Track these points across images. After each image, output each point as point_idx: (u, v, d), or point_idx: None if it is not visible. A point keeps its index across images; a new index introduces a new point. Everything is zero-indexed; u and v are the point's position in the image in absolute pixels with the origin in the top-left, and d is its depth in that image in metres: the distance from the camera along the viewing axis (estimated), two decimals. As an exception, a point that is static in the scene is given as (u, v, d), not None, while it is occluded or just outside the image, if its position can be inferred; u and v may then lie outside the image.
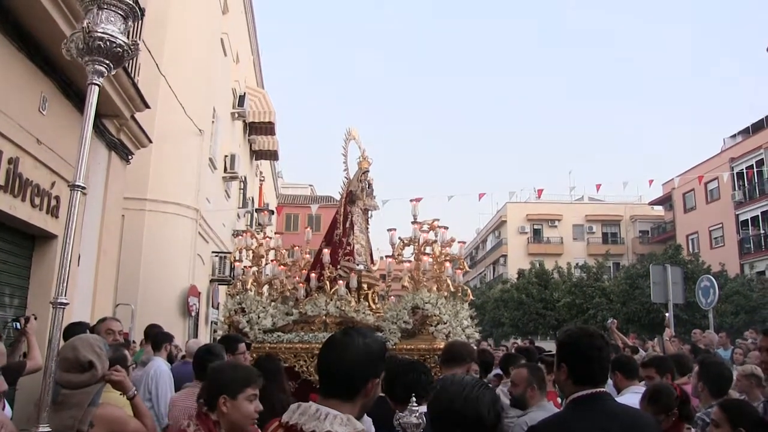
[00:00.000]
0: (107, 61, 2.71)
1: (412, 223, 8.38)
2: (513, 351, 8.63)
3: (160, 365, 5.66)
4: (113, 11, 2.70)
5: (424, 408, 2.75)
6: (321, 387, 1.90)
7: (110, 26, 2.68)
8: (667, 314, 12.16)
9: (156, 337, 6.16)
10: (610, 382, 4.50)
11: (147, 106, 7.89)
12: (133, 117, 8.07)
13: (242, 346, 4.95)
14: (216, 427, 2.55)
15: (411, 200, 8.82)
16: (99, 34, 2.63)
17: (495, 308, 33.36)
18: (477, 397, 2.03)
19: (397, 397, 3.08)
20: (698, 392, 4.13)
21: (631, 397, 3.85)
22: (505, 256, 47.88)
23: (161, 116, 13.09)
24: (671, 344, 8.94)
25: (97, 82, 2.70)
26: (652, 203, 44.91)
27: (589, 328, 2.54)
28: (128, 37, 2.79)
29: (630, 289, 25.91)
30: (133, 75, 7.30)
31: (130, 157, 8.85)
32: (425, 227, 8.45)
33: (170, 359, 6.25)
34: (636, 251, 42.83)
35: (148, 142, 9.23)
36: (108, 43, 2.65)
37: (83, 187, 2.66)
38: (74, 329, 4.42)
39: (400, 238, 8.59)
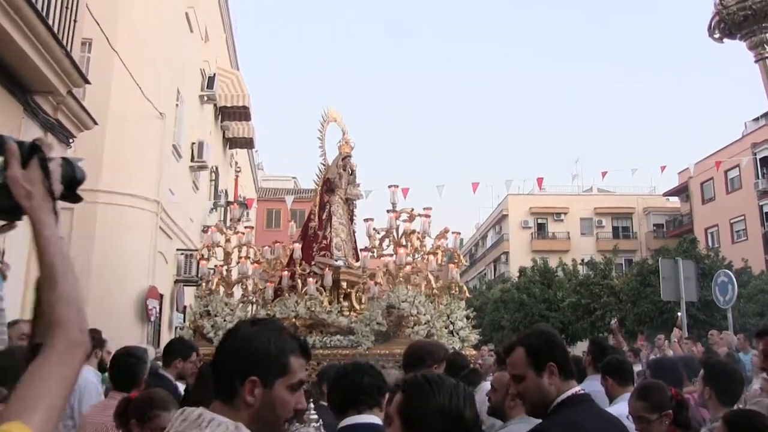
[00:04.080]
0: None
1: (388, 212, 8.11)
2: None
3: (87, 376, 5.30)
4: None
5: (350, 419, 2.45)
6: None
7: None
8: (679, 314, 11.90)
9: (85, 343, 5.81)
10: (602, 389, 4.24)
11: (86, 81, 7.59)
12: (71, 94, 7.73)
13: (194, 355, 4.73)
14: None
15: (390, 186, 8.53)
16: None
17: (494, 310, 33.18)
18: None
19: (336, 405, 2.83)
20: (705, 400, 3.83)
21: (625, 406, 3.57)
22: (506, 253, 47.64)
23: (116, 97, 12.79)
24: (681, 346, 8.68)
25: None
26: (667, 194, 44.85)
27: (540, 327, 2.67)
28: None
29: (641, 287, 25.72)
30: (67, 44, 6.95)
31: (71, 140, 8.52)
32: (404, 216, 8.21)
33: (102, 368, 5.91)
34: (650, 246, 42.63)
35: (92, 124, 8.91)
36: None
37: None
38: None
39: (374, 228, 8.32)
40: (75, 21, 7.10)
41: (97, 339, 6.27)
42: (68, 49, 6.91)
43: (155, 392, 3.16)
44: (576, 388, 2.49)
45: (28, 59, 6.16)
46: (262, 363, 1.69)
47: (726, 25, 4.24)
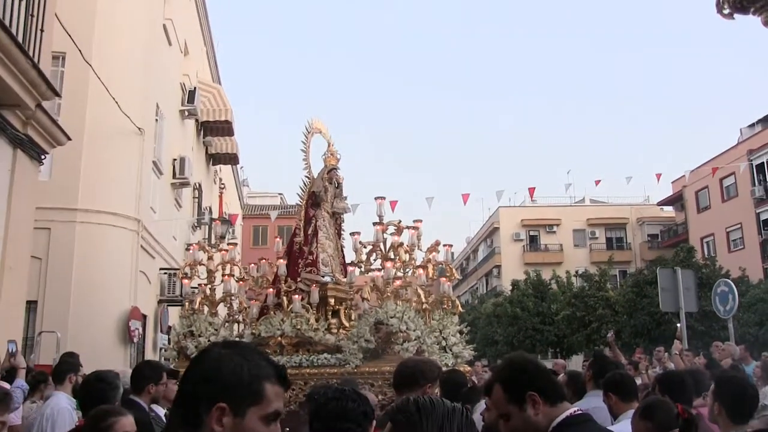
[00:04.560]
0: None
1: (375, 224, 7.94)
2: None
3: (59, 401, 5.09)
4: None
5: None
6: None
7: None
8: (678, 325, 11.75)
9: (58, 367, 5.59)
10: (604, 405, 4.05)
11: (56, 94, 7.38)
12: (41, 108, 7.52)
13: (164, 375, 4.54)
14: None
15: (376, 198, 8.36)
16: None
17: (487, 324, 33.05)
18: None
19: None
20: (715, 416, 3.65)
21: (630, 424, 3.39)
22: (498, 266, 47.58)
23: (92, 112, 12.60)
24: (683, 359, 8.51)
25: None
26: (661, 203, 44.93)
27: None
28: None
29: (637, 298, 25.67)
30: (34, 55, 6.74)
31: (43, 157, 8.29)
32: (391, 229, 8.04)
33: (77, 394, 5.69)
34: (645, 257, 42.71)
35: (66, 139, 8.68)
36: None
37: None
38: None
39: (361, 242, 8.14)
40: (42, 30, 6.90)
41: (71, 363, 6.05)
42: (35, 59, 6.70)
43: (100, 407, 3.07)
44: (571, 410, 2.33)
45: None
46: (232, 389, 1.54)
47: (737, -2, 3.91)
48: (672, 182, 39.38)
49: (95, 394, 3.76)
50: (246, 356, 1.60)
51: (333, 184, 9.93)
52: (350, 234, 9.06)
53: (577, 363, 25.31)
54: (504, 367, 2.48)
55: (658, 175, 15.67)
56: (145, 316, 14.60)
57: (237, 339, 9.33)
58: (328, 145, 10.15)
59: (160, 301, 16.25)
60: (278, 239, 10.30)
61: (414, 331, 7.10)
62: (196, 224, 21.21)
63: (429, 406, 1.82)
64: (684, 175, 24.82)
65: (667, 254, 33.42)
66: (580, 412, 2.36)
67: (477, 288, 53.63)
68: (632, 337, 24.55)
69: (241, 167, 36.67)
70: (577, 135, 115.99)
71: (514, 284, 34.47)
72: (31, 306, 11.02)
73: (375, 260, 8.08)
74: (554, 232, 47.00)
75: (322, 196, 9.76)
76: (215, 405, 1.51)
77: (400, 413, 1.81)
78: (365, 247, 8.13)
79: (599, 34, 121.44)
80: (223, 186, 28.05)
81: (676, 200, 42.15)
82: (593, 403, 4.49)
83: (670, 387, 4.03)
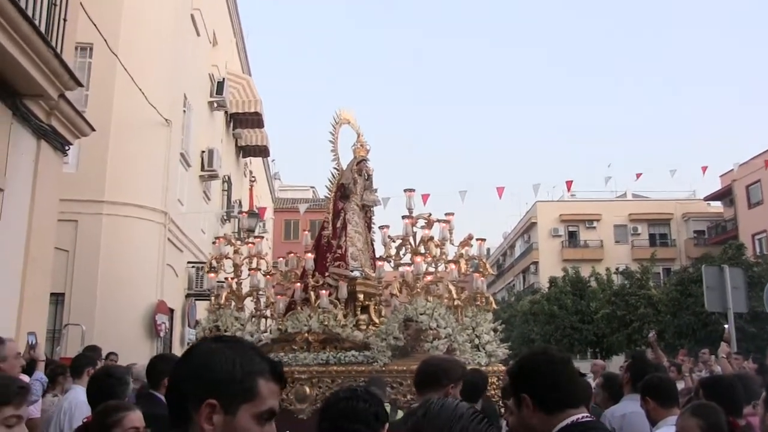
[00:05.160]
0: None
1: (404, 218, 7.82)
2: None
3: (77, 396, 5.12)
4: None
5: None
6: None
7: None
8: (726, 326, 11.42)
9: (77, 360, 5.63)
10: (641, 410, 3.89)
11: (79, 84, 7.41)
12: (65, 98, 7.57)
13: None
14: None
15: (405, 191, 8.24)
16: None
17: (524, 322, 32.84)
18: None
19: None
20: (766, 426, 3.47)
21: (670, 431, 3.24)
22: (536, 263, 47.24)
23: (119, 104, 12.72)
24: (731, 363, 8.23)
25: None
26: (708, 198, 43.98)
27: (538, 346, 2.28)
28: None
29: (681, 297, 25.23)
30: (56, 44, 6.78)
31: (66, 147, 8.37)
32: (421, 222, 7.91)
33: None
34: (690, 254, 41.96)
35: (90, 130, 8.74)
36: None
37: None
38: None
39: (389, 236, 8.03)
40: (65, 20, 6.93)
41: (89, 356, 6.10)
42: (57, 49, 6.73)
43: (108, 402, 3.07)
44: (575, 416, 2.20)
45: (11, 59, 5.98)
46: (222, 384, 1.50)
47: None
48: (720, 176, 38.53)
49: (104, 389, 3.76)
50: (238, 351, 1.56)
51: (363, 176, 9.83)
52: (379, 227, 8.98)
53: (617, 364, 24.92)
54: (516, 360, 2.45)
55: (704, 168, 15.27)
56: (172, 310, 14.73)
57: (263, 333, 9.35)
58: (358, 136, 10.07)
59: (187, 295, 16.39)
60: (307, 232, 10.24)
61: (444, 328, 6.99)
62: (225, 217, 21.34)
63: (436, 410, 1.77)
64: (733, 169, 24.19)
65: (714, 251, 32.71)
66: (587, 418, 2.25)
67: (514, 285, 53.31)
68: (676, 337, 24.15)
69: (273, 160, 36.86)
70: (617, 126, 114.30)
71: (552, 281, 34.21)
72: (59, 298, 11.20)
73: (404, 255, 7.97)
74: (594, 227, 46.52)
75: (351, 188, 9.68)
76: (205, 402, 1.47)
77: (410, 415, 1.79)
78: (394, 241, 8.03)
79: (642, 22, 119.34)
80: (253, 179, 28.18)
81: (724, 195, 41.21)
82: (630, 407, 4.34)
83: (716, 392, 3.83)
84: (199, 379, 1.50)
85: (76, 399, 5.11)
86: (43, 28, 6.52)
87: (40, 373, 5.62)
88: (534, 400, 2.20)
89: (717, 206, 44.44)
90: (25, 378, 5.27)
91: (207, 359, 1.53)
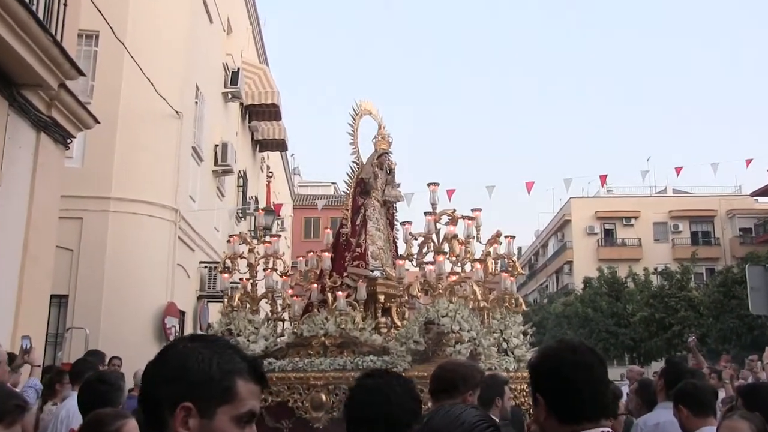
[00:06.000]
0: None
1: (426, 214, 7.66)
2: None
3: (75, 404, 5.06)
4: None
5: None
6: None
7: None
8: (772, 330, 11.19)
9: (76, 366, 5.58)
10: (675, 420, 3.75)
11: (80, 73, 7.40)
12: (65, 88, 7.55)
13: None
14: None
15: (429, 185, 8.07)
16: None
17: (556, 325, 32.67)
18: None
19: None
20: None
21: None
22: (570, 262, 46.89)
23: (127, 95, 12.73)
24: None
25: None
26: (755, 194, 43.43)
27: (571, 341, 2.20)
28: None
29: (725, 299, 25.01)
30: (56, 31, 6.75)
31: (68, 140, 8.36)
32: (445, 218, 7.75)
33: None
34: (735, 254, 41.47)
35: (93, 122, 8.75)
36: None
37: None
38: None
39: (411, 233, 7.89)
40: (65, 5, 6.90)
41: (90, 362, 6.06)
42: (57, 35, 6.70)
43: (99, 411, 3.04)
44: (594, 430, 2.06)
45: (7, 46, 5.96)
46: (198, 386, 1.49)
47: None
48: (767, 170, 37.92)
49: (97, 396, 3.70)
50: (215, 350, 1.55)
51: (384, 170, 9.70)
52: (401, 224, 8.84)
53: (655, 371, 24.72)
54: (540, 350, 2.38)
55: (749, 161, 14.94)
56: (183, 313, 14.71)
57: (279, 336, 9.27)
58: (379, 128, 9.93)
59: (199, 297, 16.37)
60: (328, 230, 10.12)
61: (468, 331, 6.84)
62: (240, 215, 21.33)
63: (440, 417, 1.79)
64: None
65: (761, 250, 32.35)
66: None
67: (546, 286, 52.99)
68: (719, 342, 23.91)
69: (292, 155, 36.97)
70: (655, 118, 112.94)
71: (587, 282, 33.98)
72: (61, 300, 11.23)
73: (427, 253, 7.83)
74: (632, 225, 46.05)
75: (371, 183, 9.54)
76: (180, 405, 1.47)
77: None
78: (415, 239, 7.88)
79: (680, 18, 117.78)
80: (270, 174, 28.17)
81: (773, 190, 40.65)
82: (663, 416, 4.21)
83: (756, 401, 3.70)
84: (173, 381, 1.49)
85: (74, 407, 5.05)
86: (41, 14, 6.51)
87: (35, 380, 5.59)
88: (548, 406, 2.08)
89: (765, 202, 43.90)
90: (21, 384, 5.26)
91: (181, 360, 1.52)
